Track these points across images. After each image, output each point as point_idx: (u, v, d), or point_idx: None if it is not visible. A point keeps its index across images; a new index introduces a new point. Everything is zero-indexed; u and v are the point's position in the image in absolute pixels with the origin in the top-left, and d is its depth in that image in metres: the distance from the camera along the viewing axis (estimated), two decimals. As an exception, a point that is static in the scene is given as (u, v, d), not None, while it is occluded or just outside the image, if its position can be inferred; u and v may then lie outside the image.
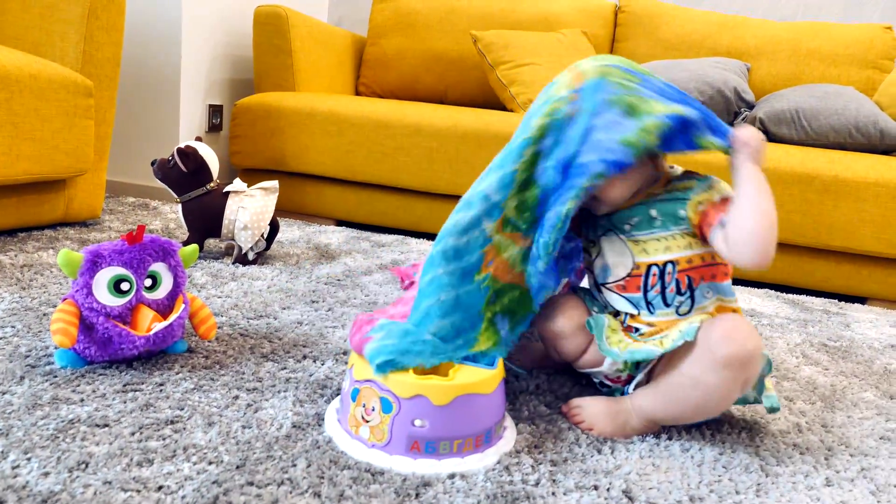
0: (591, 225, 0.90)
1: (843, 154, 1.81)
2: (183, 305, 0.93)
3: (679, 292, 0.83)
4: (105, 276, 0.87)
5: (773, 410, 0.84)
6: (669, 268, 0.83)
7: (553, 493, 0.70)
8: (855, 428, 0.95)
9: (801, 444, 0.87)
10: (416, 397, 0.71)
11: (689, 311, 0.84)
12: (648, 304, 0.85)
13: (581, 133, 0.78)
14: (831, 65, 2.26)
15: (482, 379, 0.74)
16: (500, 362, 0.79)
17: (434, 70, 2.52)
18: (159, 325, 0.88)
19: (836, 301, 1.76)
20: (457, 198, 2.06)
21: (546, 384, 0.97)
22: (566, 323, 0.89)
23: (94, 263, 0.87)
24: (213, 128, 2.33)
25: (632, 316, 0.87)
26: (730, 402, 0.80)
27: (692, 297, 0.83)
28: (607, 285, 0.89)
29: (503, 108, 2.24)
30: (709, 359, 0.76)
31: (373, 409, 0.73)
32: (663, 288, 0.84)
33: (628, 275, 0.86)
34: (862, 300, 1.84)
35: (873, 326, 1.53)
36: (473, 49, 2.37)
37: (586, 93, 0.79)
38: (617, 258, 0.87)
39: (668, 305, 0.84)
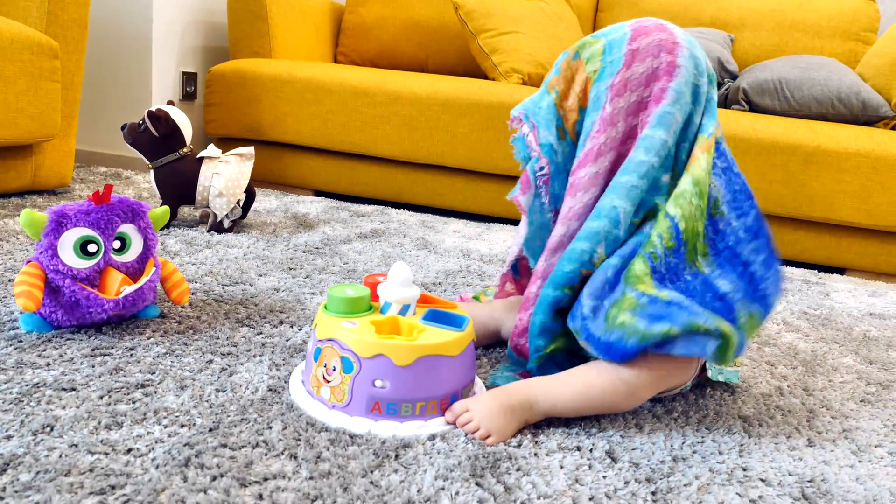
0: None
1: (826, 124, 1.80)
2: (154, 268, 0.90)
3: None
4: (71, 237, 0.84)
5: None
6: None
7: (535, 455, 0.68)
8: (836, 391, 0.95)
9: (783, 407, 0.87)
10: (377, 357, 0.69)
11: None
12: None
13: None
14: (815, 36, 2.25)
15: (447, 340, 0.71)
16: (469, 324, 0.77)
17: (414, 38, 2.47)
18: (129, 289, 0.85)
19: (816, 272, 1.77)
20: (437, 167, 2.07)
21: (528, 349, 0.96)
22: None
23: (59, 224, 0.83)
24: (187, 96, 2.27)
25: None
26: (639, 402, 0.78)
27: None
28: None
29: (485, 77, 2.20)
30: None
31: (333, 369, 0.71)
32: None
33: None
34: (840, 271, 1.85)
35: (852, 296, 1.54)
36: (455, 17, 2.32)
37: None
38: None
39: None
